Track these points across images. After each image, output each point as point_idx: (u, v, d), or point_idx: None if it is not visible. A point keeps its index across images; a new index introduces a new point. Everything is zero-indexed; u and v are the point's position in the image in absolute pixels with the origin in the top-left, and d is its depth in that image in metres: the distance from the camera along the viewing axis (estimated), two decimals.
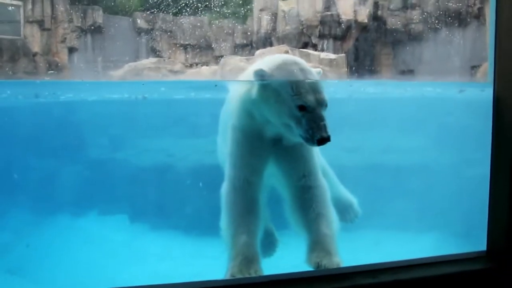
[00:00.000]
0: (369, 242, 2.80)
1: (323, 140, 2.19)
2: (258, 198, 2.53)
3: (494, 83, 2.28)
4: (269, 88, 2.31)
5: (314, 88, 2.26)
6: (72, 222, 4.42)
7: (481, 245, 2.50)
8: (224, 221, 2.50)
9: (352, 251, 2.53)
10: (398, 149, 4.28)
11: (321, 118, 2.23)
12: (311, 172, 2.55)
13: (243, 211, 2.47)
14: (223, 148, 2.84)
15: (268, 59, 2.47)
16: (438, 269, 2.27)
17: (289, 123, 2.29)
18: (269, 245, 3.15)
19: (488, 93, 2.33)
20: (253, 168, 2.51)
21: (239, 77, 2.78)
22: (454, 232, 3.55)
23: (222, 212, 2.51)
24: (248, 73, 2.42)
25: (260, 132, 2.48)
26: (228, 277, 2.24)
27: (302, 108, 2.23)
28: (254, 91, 2.35)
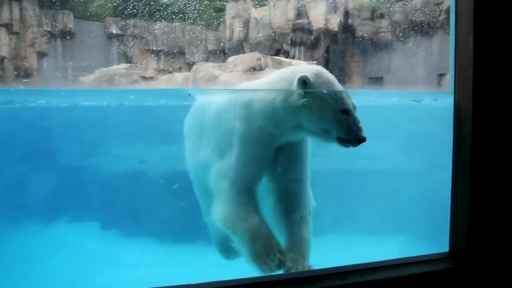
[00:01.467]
0: (338, 246, 2.87)
1: (363, 139, 2.41)
2: (256, 199, 2.60)
3: (454, 93, 2.39)
4: (314, 95, 2.45)
5: (347, 94, 2.46)
6: (42, 229, 4.35)
7: (446, 247, 2.61)
8: (225, 212, 2.56)
9: (321, 254, 2.59)
10: (367, 155, 4.39)
11: (358, 120, 2.44)
12: (303, 178, 2.67)
13: (248, 204, 2.55)
14: (198, 153, 2.90)
15: (298, 69, 2.55)
16: (403, 270, 2.35)
17: (329, 127, 2.44)
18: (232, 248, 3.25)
19: (446, 102, 2.45)
20: (258, 172, 2.59)
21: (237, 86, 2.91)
22: (420, 235, 3.67)
23: (221, 206, 2.57)
24: (281, 81, 2.55)
25: (273, 138, 2.58)
26: (253, 261, 2.39)
27: (345, 112, 2.40)
28: (295, 98, 2.45)
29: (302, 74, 2.40)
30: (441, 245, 2.57)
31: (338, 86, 2.50)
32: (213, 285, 2.02)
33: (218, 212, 2.58)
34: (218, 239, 3.17)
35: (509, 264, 2.39)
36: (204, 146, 2.85)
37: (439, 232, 2.61)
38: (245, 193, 2.58)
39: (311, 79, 2.42)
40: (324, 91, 2.46)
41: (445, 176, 2.56)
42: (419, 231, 3.70)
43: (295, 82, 2.41)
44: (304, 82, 2.41)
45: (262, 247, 2.41)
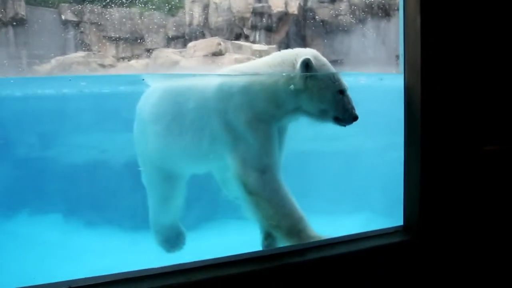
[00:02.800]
0: None
1: (356, 118, 2.66)
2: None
3: (404, 73, 2.48)
4: (315, 77, 2.59)
5: (340, 75, 2.69)
6: (2, 223, 4.26)
7: (401, 221, 2.72)
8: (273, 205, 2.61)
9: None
10: (329, 136, 4.47)
11: (351, 100, 2.67)
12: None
13: (286, 192, 2.64)
14: (176, 141, 2.92)
15: (297, 52, 2.66)
16: (360, 244, 2.44)
17: (328, 108, 2.62)
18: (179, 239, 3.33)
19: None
20: (276, 154, 2.67)
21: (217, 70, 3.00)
22: (378, 211, 3.80)
23: (266, 200, 2.60)
24: (282, 64, 2.63)
25: (276, 120, 2.69)
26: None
27: (341, 92, 2.62)
28: (298, 81, 2.58)
29: (306, 57, 2.53)
30: (398, 220, 2.68)
31: (332, 68, 2.67)
32: (178, 267, 2.05)
33: (266, 206, 2.61)
34: (161, 231, 3.18)
35: (457, 235, 2.53)
36: (191, 137, 2.81)
37: (396, 208, 2.71)
38: (281, 179, 2.64)
39: (313, 62, 2.54)
40: (324, 74, 2.63)
41: (401, 154, 2.66)
42: (378, 207, 3.83)
43: (298, 65, 2.53)
44: (307, 65, 2.53)
45: (309, 230, 2.61)
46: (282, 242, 2.63)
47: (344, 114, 2.64)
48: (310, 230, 2.63)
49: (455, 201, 2.51)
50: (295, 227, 2.61)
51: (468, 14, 2.38)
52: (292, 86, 2.57)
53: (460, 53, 2.38)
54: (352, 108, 2.65)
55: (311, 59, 2.56)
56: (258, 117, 2.61)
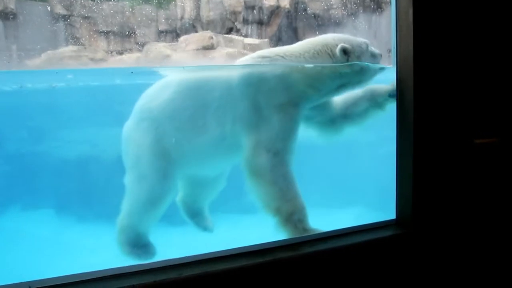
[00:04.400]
0: None
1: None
2: None
3: (396, 65, 2.48)
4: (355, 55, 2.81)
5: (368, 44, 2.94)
6: None
7: (393, 215, 2.72)
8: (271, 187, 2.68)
9: (274, 228, 2.66)
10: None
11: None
12: None
13: (293, 179, 2.73)
14: (200, 132, 2.93)
15: (334, 37, 2.86)
16: (353, 238, 2.45)
17: (367, 75, 2.89)
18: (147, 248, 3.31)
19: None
20: (293, 141, 2.78)
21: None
22: (372, 205, 3.80)
23: (266, 181, 2.68)
24: (322, 51, 2.79)
25: (311, 103, 2.88)
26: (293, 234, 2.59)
27: (373, 55, 2.93)
28: (342, 67, 2.77)
29: (343, 45, 2.74)
30: (390, 214, 2.69)
31: (359, 40, 2.94)
32: (168, 262, 2.04)
33: (265, 191, 2.69)
34: (129, 233, 3.14)
35: (449, 228, 2.54)
36: (215, 124, 2.87)
37: (388, 202, 2.72)
38: (291, 167, 2.73)
39: (349, 47, 2.76)
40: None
41: (393, 147, 2.66)
42: (370, 201, 3.83)
43: (338, 51, 2.73)
44: (344, 51, 2.74)
45: (307, 223, 2.68)
46: (279, 229, 2.66)
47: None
48: (308, 224, 2.68)
49: (448, 194, 2.51)
50: (294, 214, 2.65)
51: (461, 7, 2.38)
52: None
53: (453, 46, 2.38)
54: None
55: (347, 45, 2.75)
56: (292, 101, 2.73)
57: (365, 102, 3.11)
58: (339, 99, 3.18)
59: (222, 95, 2.88)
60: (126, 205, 3.16)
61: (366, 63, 2.85)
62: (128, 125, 3.24)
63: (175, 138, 3.04)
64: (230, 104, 2.84)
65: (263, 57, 2.91)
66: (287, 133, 2.72)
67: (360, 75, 2.84)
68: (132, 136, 3.18)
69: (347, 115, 3.15)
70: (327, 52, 2.78)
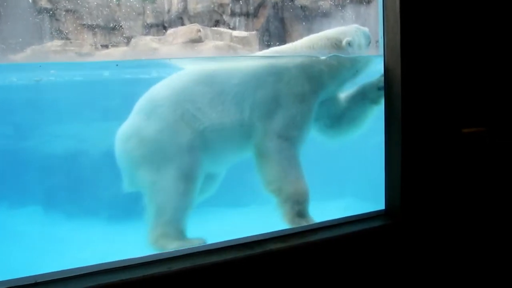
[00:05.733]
0: (280, 212, 2.93)
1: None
2: None
3: (384, 55, 2.47)
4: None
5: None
6: None
7: (383, 206, 2.73)
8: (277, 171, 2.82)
9: (264, 221, 2.65)
10: None
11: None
12: None
13: (300, 165, 2.90)
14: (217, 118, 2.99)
15: (337, 34, 3.11)
16: (343, 229, 2.46)
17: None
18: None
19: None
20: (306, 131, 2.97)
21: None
22: (361, 196, 3.81)
23: (274, 165, 2.83)
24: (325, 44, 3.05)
25: (329, 92, 3.11)
26: (291, 222, 2.71)
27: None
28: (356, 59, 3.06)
29: (348, 39, 3.02)
30: (379, 205, 2.70)
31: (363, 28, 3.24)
32: (158, 256, 2.03)
33: (270, 171, 2.82)
34: (172, 223, 3.04)
35: (438, 218, 2.55)
36: (233, 111, 2.95)
37: (377, 192, 2.73)
38: (298, 154, 2.87)
39: (353, 39, 3.05)
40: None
41: (381, 138, 2.66)
42: (359, 192, 3.85)
43: (346, 46, 3.00)
44: (349, 43, 3.01)
45: (301, 210, 2.76)
46: (279, 209, 2.81)
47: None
48: (305, 210, 2.80)
49: (436, 184, 2.53)
50: (295, 196, 2.77)
51: None
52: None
53: (440, 35, 2.38)
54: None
55: (350, 39, 2.99)
56: (313, 89, 2.91)
57: (360, 100, 3.23)
58: (339, 100, 3.33)
59: (240, 83, 3.00)
60: (158, 201, 3.05)
61: (363, 55, 3.12)
62: (135, 123, 3.16)
63: (197, 119, 3.04)
64: (248, 91, 2.96)
65: (277, 51, 3.16)
66: (302, 123, 2.88)
67: (359, 63, 3.10)
68: (144, 130, 3.11)
69: (347, 116, 3.26)
70: (333, 44, 3.01)
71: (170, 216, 2.92)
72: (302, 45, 3.10)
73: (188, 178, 2.96)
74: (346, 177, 4.23)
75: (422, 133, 2.43)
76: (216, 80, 3.08)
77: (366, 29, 3.25)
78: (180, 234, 2.90)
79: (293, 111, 2.87)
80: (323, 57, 2.99)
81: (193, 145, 3.00)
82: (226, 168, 3.49)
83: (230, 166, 3.49)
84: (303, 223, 2.69)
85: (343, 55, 3.04)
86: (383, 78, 2.63)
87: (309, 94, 2.92)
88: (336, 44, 3.02)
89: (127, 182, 3.23)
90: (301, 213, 2.77)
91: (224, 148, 3.18)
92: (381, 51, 2.51)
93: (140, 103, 3.19)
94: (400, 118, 2.37)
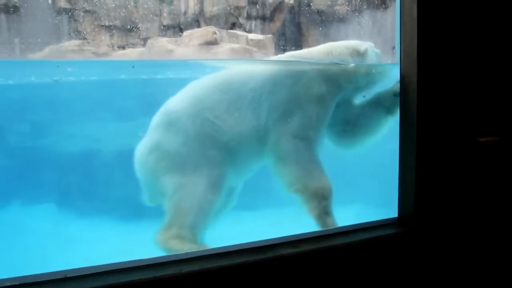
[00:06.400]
0: (292, 216, 2.92)
1: None
2: None
3: (400, 62, 2.45)
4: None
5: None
6: None
7: (395, 213, 2.70)
8: (299, 171, 2.88)
9: (276, 225, 2.64)
10: None
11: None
12: None
13: (319, 163, 2.94)
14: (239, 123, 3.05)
15: (344, 44, 3.20)
16: (355, 236, 2.44)
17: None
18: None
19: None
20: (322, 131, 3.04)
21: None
22: (373, 203, 3.78)
23: (294, 165, 2.89)
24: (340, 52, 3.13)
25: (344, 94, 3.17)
26: (319, 218, 2.78)
27: None
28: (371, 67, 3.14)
29: (366, 46, 3.09)
30: (391, 212, 2.67)
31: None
32: (169, 258, 2.03)
33: (291, 171, 2.86)
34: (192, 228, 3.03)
35: (452, 227, 2.52)
36: (250, 115, 3.00)
37: (389, 199, 2.70)
38: (317, 153, 2.93)
39: (368, 48, 3.16)
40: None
41: (394, 145, 2.63)
42: (371, 199, 3.81)
43: (367, 53, 3.12)
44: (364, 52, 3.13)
45: (327, 206, 2.80)
46: (305, 206, 2.85)
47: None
48: (331, 207, 2.85)
49: (450, 193, 2.49)
50: (321, 191, 2.82)
51: (465, 4, 2.35)
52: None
53: (457, 43, 2.35)
54: None
55: (367, 47, 3.10)
56: (330, 91, 2.97)
57: (374, 107, 3.25)
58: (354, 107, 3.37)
59: (257, 87, 3.05)
60: (180, 204, 3.05)
61: (375, 63, 3.18)
62: (157, 134, 3.20)
63: (216, 126, 3.09)
64: (265, 95, 3.01)
65: (293, 56, 3.25)
66: (319, 122, 2.95)
67: (372, 74, 3.16)
68: (165, 144, 3.14)
69: (360, 124, 3.28)
70: (348, 53, 3.10)
71: (190, 220, 2.93)
72: (319, 51, 3.18)
73: (214, 187, 3.00)
74: (358, 183, 4.20)
75: (438, 141, 2.40)
76: (232, 86, 3.13)
77: (377, 50, 3.32)
78: (194, 239, 2.91)
79: (310, 112, 2.93)
80: (343, 64, 3.10)
81: (219, 155, 3.05)
82: (245, 179, 3.50)
83: (248, 177, 3.48)
84: (329, 221, 2.77)
85: (360, 63, 3.11)
86: (398, 84, 2.60)
87: (326, 96, 2.99)
88: (354, 52, 3.11)
89: (148, 196, 3.26)
90: (327, 210, 2.82)
91: (245, 156, 3.20)
92: (397, 57, 2.49)
93: (157, 118, 3.23)
94: (416, 125, 2.35)
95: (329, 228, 2.70)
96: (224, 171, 3.06)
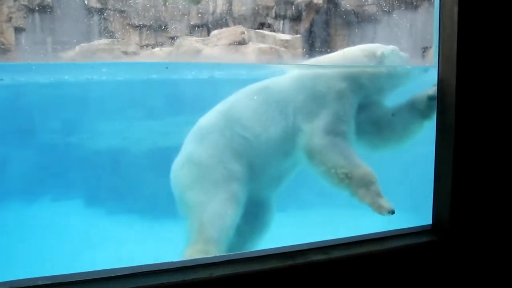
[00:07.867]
0: (321, 219, 2.89)
1: None
2: None
3: (438, 66, 2.37)
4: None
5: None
6: (24, 208, 4.29)
7: (429, 220, 2.63)
8: (342, 161, 2.89)
9: (305, 228, 2.60)
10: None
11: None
12: None
13: (355, 153, 2.95)
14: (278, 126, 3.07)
15: (373, 47, 3.21)
16: (387, 243, 2.36)
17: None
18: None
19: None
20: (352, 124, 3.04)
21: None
22: (405, 209, 3.70)
23: (337, 157, 2.90)
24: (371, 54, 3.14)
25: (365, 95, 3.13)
26: (373, 203, 2.86)
27: None
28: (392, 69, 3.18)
29: (382, 50, 3.10)
30: (424, 218, 2.59)
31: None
32: (196, 262, 2.01)
33: (333, 165, 2.87)
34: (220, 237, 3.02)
35: (489, 236, 2.42)
36: (278, 117, 3.05)
37: (422, 206, 2.62)
38: (351, 143, 2.98)
39: (385, 52, 3.11)
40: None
41: (430, 148, 2.56)
42: (403, 205, 3.73)
43: (379, 54, 3.10)
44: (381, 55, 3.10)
45: (377, 189, 2.85)
46: (353, 197, 2.88)
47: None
48: (380, 189, 2.86)
49: (488, 200, 2.40)
50: (367, 177, 2.83)
51: (509, 6, 2.26)
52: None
53: (499, 45, 2.26)
54: None
55: (384, 50, 3.08)
56: (350, 87, 2.99)
57: (408, 110, 3.20)
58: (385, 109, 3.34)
59: (281, 89, 3.10)
60: (203, 219, 3.05)
61: (400, 65, 3.20)
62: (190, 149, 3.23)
63: (246, 141, 3.12)
64: (290, 97, 3.05)
65: (318, 61, 3.37)
66: (347, 116, 2.96)
67: (396, 77, 3.18)
68: (196, 157, 3.17)
69: (392, 126, 3.25)
70: (365, 56, 3.12)
71: (213, 235, 2.95)
72: (337, 56, 3.27)
73: (235, 201, 3.00)
74: (390, 187, 4.12)
75: (476, 146, 2.32)
76: (257, 92, 3.19)
77: (403, 54, 3.32)
78: (220, 252, 2.93)
79: (335, 107, 2.96)
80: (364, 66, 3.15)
81: (242, 170, 3.06)
82: (273, 191, 3.45)
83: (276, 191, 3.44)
84: (384, 203, 2.82)
85: (388, 66, 3.13)
86: (435, 87, 2.53)
87: (347, 91, 3.01)
88: (371, 54, 3.14)
89: (180, 208, 3.28)
90: (378, 192, 2.84)
91: (269, 167, 3.19)
92: (435, 60, 2.41)
93: (192, 132, 3.28)
94: (454, 129, 2.26)
95: (387, 211, 2.81)
96: (244, 185, 3.05)
